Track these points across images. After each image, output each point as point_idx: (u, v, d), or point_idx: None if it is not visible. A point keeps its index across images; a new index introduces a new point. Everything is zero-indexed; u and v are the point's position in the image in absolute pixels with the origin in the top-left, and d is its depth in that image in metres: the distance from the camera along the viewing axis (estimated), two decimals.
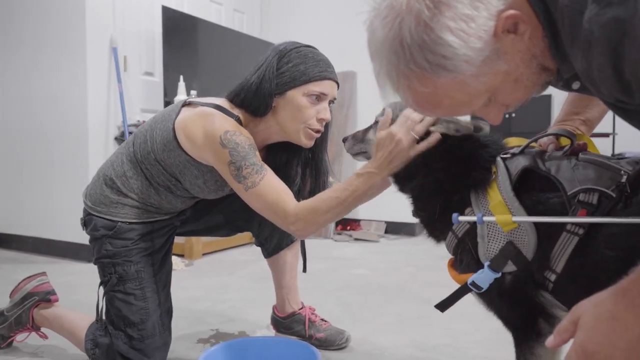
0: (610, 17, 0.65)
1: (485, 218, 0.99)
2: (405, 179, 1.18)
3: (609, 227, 0.89)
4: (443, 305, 1.14)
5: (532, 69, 0.79)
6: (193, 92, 3.35)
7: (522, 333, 1.05)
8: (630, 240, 0.86)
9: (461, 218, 1.03)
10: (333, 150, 4.28)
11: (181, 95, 3.30)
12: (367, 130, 1.33)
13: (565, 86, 0.85)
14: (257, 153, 1.39)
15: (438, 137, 1.12)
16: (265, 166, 1.38)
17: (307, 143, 1.47)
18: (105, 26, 3.22)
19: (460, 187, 1.08)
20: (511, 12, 0.74)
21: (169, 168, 1.48)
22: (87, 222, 1.58)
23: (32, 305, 1.71)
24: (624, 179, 0.89)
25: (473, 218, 1.01)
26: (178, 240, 3.21)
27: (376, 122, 1.29)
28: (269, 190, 1.35)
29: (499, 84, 0.79)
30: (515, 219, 0.97)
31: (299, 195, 1.57)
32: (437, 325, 1.96)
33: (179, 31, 3.53)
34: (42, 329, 1.75)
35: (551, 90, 0.92)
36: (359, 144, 1.33)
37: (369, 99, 4.29)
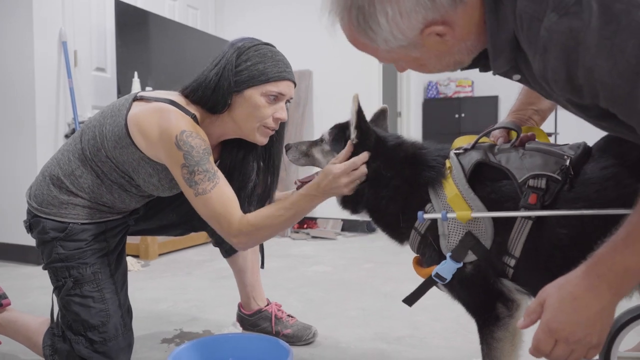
0: (566, 27, 0.72)
1: (449, 215, 1.05)
2: (356, 202, 1.25)
3: (560, 206, 0.98)
4: (410, 300, 1.20)
5: (442, 62, 0.90)
6: (148, 89, 3.27)
7: (483, 318, 1.12)
8: (580, 217, 0.95)
9: (426, 216, 1.09)
10: None
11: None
12: (312, 145, 1.38)
13: (506, 76, 0.93)
14: (211, 158, 1.37)
15: (364, 172, 1.22)
16: (219, 174, 1.37)
17: (261, 141, 1.47)
18: (54, 20, 3.09)
19: (416, 186, 1.15)
20: (440, 28, 0.82)
21: (122, 165, 1.43)
22: (33, 224, 1.50)
23: None
24: (567, 163, 0.99)
25: (437, 215, 1.07)
26: (133, 240, 3.13)
27: (321, 140, 1.36)
28: (218, 200, 1.34)
29: (404, 60, 0.92)
30: (474, 214, 1.04)
31: (254, 192, 1.57)
32: (398, 318, 2.01)
33: (132, 26, 3.44)
34: None
35: (497, 91, 1.01)
36: (304, 157, 1.40)
37: (325, 98, 4.33)
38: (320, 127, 4.41)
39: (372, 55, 0.93)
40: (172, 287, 2.57)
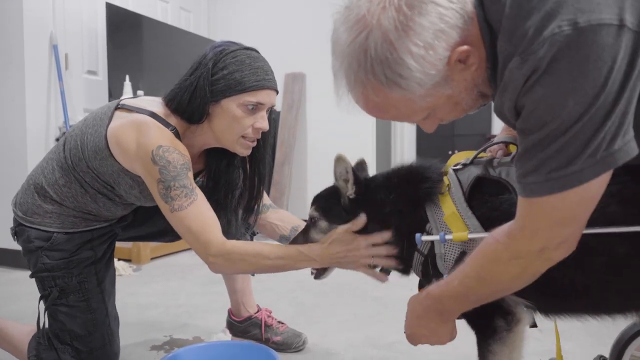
0: (523, 73, 0.75)
1: (449, 236, 1.04)
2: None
3: None
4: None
5: (472, 95, 0.90)
6: (140, 92, 3.26)
7: (480, 330, 1.10)
8: None
9: (424, 238, 1.07)
10: (283, 152, 4.28)
11: (127, 96, 3.21)
12: (306, 231, 1.29)
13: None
14: (190, 174, 1.33)
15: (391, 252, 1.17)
16: (197, 191, 1.33)
17: (242, 152, 1.43)
18: (44, 23, 3.07)
19: (415, 204, 1.12)
20: (465, 47, 0.82)
21: (102, 176, 1.40)
22: (18, 232, 1.50)
23: None
24: None
25: (436, 237, 1.06)
26: (125, 244, 3.11)
27: (313, 219, 1.27)
28: (195, 217, 1.30)
29: (440, 104, 0.89)
30: (471, 235, 1.02)
31: (241, 200, 1.54)
32: (389, 323, 2.01)
33: (124, 29, 3.43)
34: None
35: None
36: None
37: (318, 100, 4.33)
38: (313, 130, 4.41)
39: (409, 113, 0.89)
40: (163, 292, 2.55)
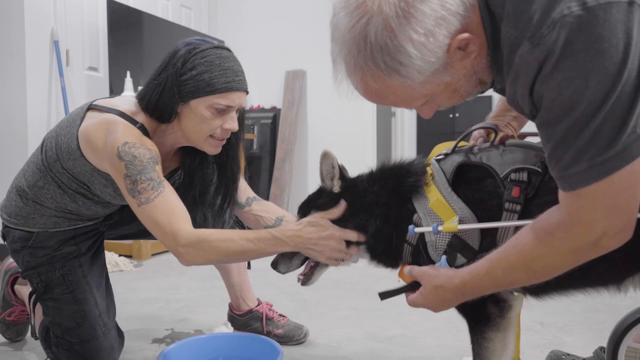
0: (535, 57, 0.75)
1: (440, 227, 1.05)
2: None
3: (542, 197, 0.99)
4: (386, 295, 1.18)
5: (471, 82, 0.90)
6: (140, 89, 3.26)
7: (473, 318, 1.12)
8: None
9: (417, 229, 1.09)
10: (284, 150, 4.29)
11: (128, 92, 3.21)
12: (293, 253, 1.31)
13: (501, 92, 0.97)
14: (158, 168, 1.31)
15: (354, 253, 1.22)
16: (165, 183, 1.31)
17: (211, 151, 1.42)
18: (45, 18, 3.08)
19: (401, 197, 1.14)
20: (466, 35, 0.82)
21: (78, 176, 1.40)
22: (5, 234, 1.53)
23: (8, 282, 1.68)
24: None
25: (429, 229, 1.07)
26: (126, 240, 3.12)
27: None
28: (162, 208, 1.27)
29: (439, 91, 0.89)
30: (460, 227, 1.04)
31: (216, 196, 1.54)
32: (390, 317, 2.02)
33: (125, 25, 3.43)
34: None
35: (491, 91, 1.03)
36: (295, 256, 1.33)
37: (318, 98, 4.34)
38: (314, 127, 4.42)
39: (407, 100, 0.90)
40: (164, 287, 2.56)
